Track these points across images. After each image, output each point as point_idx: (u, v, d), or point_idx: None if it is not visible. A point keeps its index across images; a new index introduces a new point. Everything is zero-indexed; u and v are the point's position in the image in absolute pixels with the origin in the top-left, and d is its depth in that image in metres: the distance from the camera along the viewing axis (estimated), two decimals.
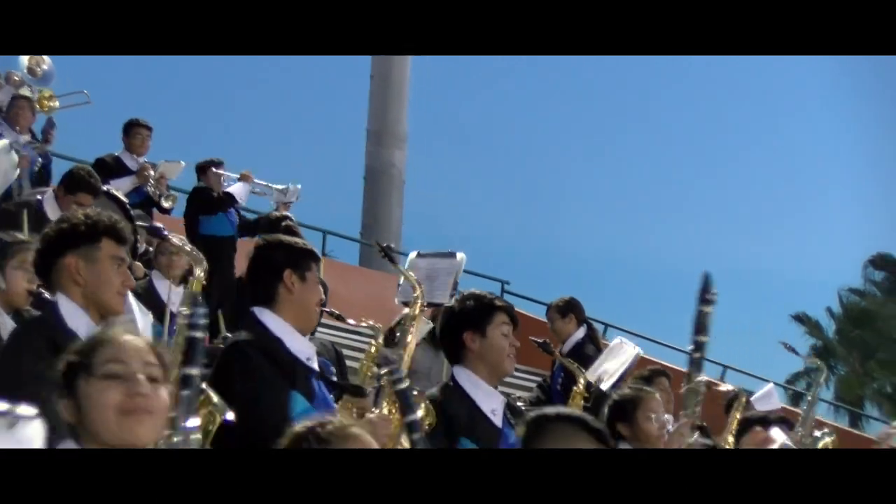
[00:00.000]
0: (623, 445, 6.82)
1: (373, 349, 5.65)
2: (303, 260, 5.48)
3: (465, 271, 22.76)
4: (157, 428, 3.38)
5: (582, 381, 6.71)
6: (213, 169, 12.94)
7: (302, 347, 5.40)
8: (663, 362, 17.12)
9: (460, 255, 8.45)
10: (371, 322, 6.19)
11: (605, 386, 7.23)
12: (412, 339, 5.81)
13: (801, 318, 43.23)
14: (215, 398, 4.65)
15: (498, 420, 5.75)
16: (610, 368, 7.71)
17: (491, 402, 5.75)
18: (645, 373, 8.95)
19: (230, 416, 4.60)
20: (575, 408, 6.30)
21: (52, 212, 9.50)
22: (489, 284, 22.69)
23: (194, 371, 3.27)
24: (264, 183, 13.20)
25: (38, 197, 9.72)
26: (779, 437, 7.13)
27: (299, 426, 4.07)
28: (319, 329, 5.54)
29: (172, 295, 9.49)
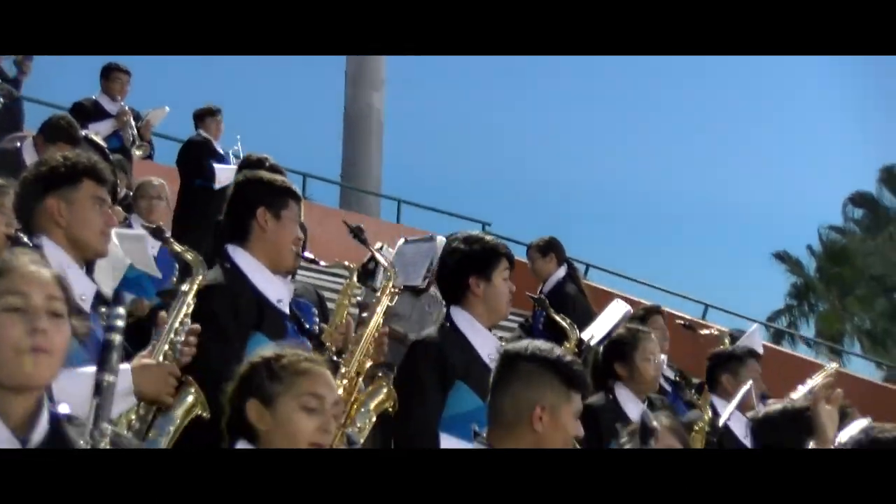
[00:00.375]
0: (619, 386, 6.84)
1: (347, 288, 5.61)
2: (279, 198, 5.44)
3: (447, 213, 22.88)
4: (54, 368, 3.25)
5: (573, 337, 6.72)
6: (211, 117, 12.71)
7: (272, 287, 5.37)
8: (643, 300, 17.17)
9: (440, 239, 8.43)
10: (345, 262, 6.18)
11: (594, 342, 7.23)
12: (377, 316, 5.77)
13: (782, 257, 43.32)
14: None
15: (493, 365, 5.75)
16: (599, 327, 7.72)
17: (487, 346, 5.76)
18: (639, 312, 8.98)
19: None
20: None
21: (31, 160, 9.44)
22: (470, 226, 22.67)
23: (110, 378, 3.09)
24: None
25: (17, 144, 9.65)
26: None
27: (255, 356, 4.07)
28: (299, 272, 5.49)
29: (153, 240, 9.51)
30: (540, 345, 4.48)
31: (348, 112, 23.86)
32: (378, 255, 6.78)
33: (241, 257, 5.37)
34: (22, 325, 3.21)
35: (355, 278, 5.92)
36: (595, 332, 7.81)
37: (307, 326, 5.56)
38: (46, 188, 4.88)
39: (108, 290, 5.29)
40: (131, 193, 9.80)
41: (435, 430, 5.51)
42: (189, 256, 5.07)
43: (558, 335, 7.65)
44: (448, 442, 5.44)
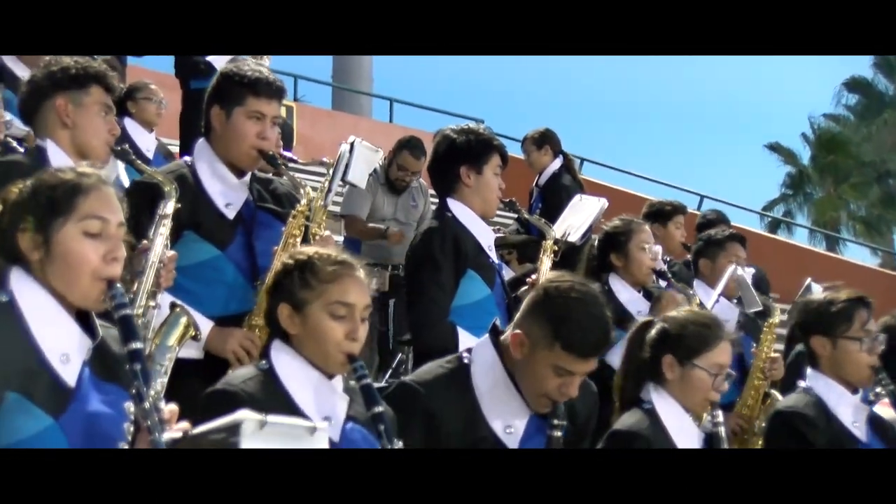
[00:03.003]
0: (614, 277, 6.85)
1: (325, 182, 5.53)
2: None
3: (440, 111, 22.83)
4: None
5: (550, 235, 6.72)
6: None
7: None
8: (640, 194, 17.18)
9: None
10: (323, 158, 6.15)
11: (573, 238, 7.22)
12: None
13: (775, 147, 43.33)
14: None
15: (494, 255, 5.85)
16: (575, 222, 7.69)
17: (486, 237, 5.82)
18: (666, 207, 9.00)
19: None
20: (546, 261, 6.33)
21: (17, 68, 9.36)
22: (464, 123, 22.62)
23: (138, 345, 3.11)
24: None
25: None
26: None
27: (288, 257, 4.03)
28: (261, 174, 5.41)
29: (147, 141, 9.46)
30: (560, 285, 4.43)
31: None
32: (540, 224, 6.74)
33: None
34: (103, 251, 3.26)
35: (331, 172, 5.84)
36: (570, 230, 7.79)
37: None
38: (56, 87, 4.88)
39: None
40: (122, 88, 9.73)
41: (448, 314, 5.52)
42: (159, 178, 4.99)
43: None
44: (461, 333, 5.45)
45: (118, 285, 3.23)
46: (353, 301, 3.89)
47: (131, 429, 3.19)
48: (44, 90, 4.89)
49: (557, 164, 11.14)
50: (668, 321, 4.88)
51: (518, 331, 4.35)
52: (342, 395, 3.90)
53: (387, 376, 9.55)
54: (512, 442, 4.32)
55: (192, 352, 4.80)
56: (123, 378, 3.27)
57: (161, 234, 4.78)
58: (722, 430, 4.70)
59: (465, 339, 5.29)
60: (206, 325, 4.83)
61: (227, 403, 3.52)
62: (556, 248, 6.55)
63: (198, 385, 3.99)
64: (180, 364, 4.68)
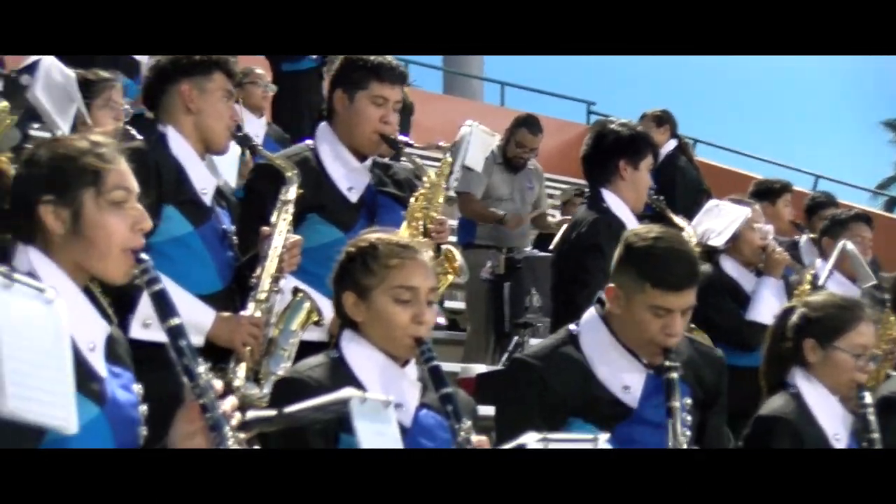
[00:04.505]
0: (724, 257, 6.89)
1: (442, 167, 5.56)
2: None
3: (551, 94, 22.75)
4: None
5: (688, 235, 6.74)
6: None
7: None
8: (752, 174, 17.00)
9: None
10: (439, 142, 6.20)
11: (714, 242, 7.23)
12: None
13: (893, 125, 42.75)
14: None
15: None
16: (715, 226, 7.69)
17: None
18: (774, 185, 9.00)
19: None
20: None
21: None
22: (575, 105, 22.58)
23: (176, 321, 3.01)
24: None
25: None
26: None
27: (350, 245, 4.04)
28: (381, 159, 5.43)
29: (256, 127, 9.55)
30: (639, 231, 4.51)
31: None
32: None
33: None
34: (129, 222, 3.16)
35: (449, 156, 5.88)
36: (711, 231, 7.78)
37: None
38: (181, 73, 4.91)
39: (233, 184, 5.32)
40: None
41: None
42: (281, 163, 5.05)
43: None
44: None
45: (147, 258, 3.12)
46: (416, 284, 3.87)
47: (145, 411, 3.20)
48: (168, 76, 4.93)
49: (672, 144, 11.12)
50: (808, 305, 4.88)
51: (611, 285, 4.38)
52: (413, 382, 3.89)
53: (503, 359, 9.57)
54: (631, 400, 4.32)
55: (315, 335, 4.85)
56: (125, 359, 3.26)
57: (283, 220, 4.84)
58: (870, 413, 4.66)
59: None
60: (329, 308, 4.88)
61: (294, 391, 3.54)
62: (697, 249, 6.61)
63: None
64: (304, 346, 4.75)
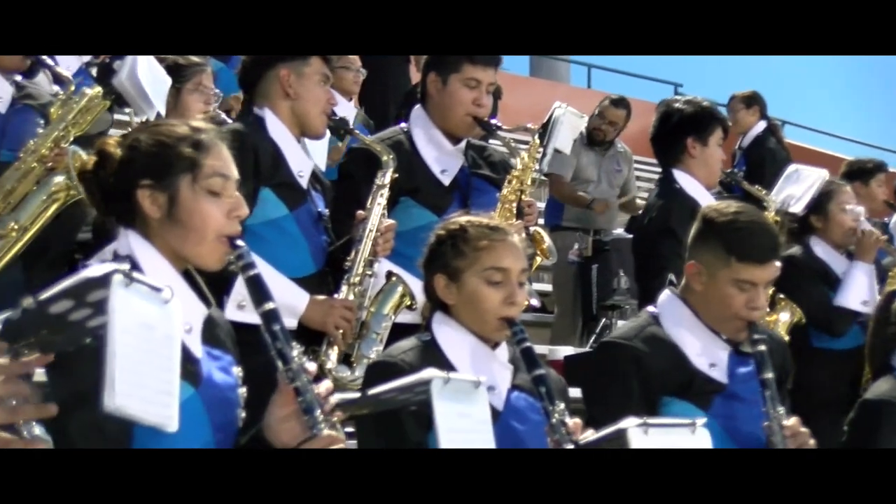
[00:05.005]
0: (815, 239, 6.83)
1: (531, 149, 5.55)
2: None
3: (638, 76, 22.59)
4: None
5: (771, 206, 6.68)
6: None
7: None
8: (843, 155, 16.82)
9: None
10: (527, 125, 6.19)
11: (794, 209, 7.16)
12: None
13: None
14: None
15: None
16: (795, 192, 7.62)
17: None
18: (867, 165, 8.85)
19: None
20: None
21: None
22: (662, 87, 22.44)
23: (271, 305, 3.03)
24: None
25: None
26: None
27: (440, 228, 4.05)
28: (475, 141, 5.44)
29: (347, 110, 9.58)
30: (724, 205, 4.50)
31: None
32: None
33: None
34: (224, 209, 3.18)
35: (537, 138, 5.87)
36: (790, 199, 7.72)
37: None
38: (279, 58, 4.93)
39: (323, 167, 5.35)
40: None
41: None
42: (377, 148, 5.07)
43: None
44: None
45: (243, 244, 3.14)
46: (507, 265, 3.87)
47: (244, 394, 3.23)
48: (266, 60, 4.95)
49: (762, 126, 11.03)
50: None
51: (691, 261, 4.36)
52: (505, 364, 3.90)
53: (591, 341, 9.56)
54: (721, 376, 4.29)
55: (409, 317, 4.86)
56: (226, 342, 3.29)
57: (378, 204, 4.86)
58: None
59: None
60: (421, 292, 4.90)
61: (387, 374, 3.50)
62: (776, 218, 6.56)
63: None
64: (396, 329, 4.77)
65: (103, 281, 2.25)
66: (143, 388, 2.41)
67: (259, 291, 3.06)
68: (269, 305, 3.02)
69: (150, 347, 2.43)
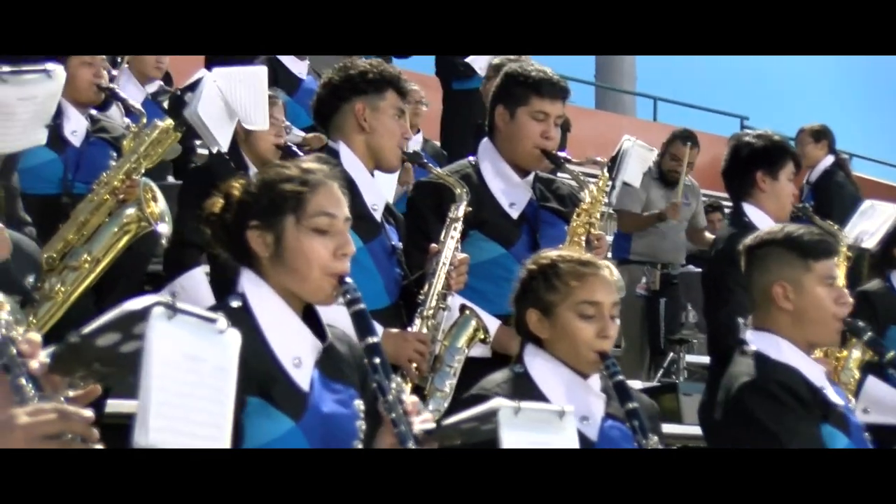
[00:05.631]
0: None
1: (600, 182, 5.54)
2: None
3: (703, 108, 22.52)
4: None
5: (842, 241, 6.62)
6: None
7: None
8: None
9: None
10: (596, 157, 6.20)
11: (867, 244, 7.10)
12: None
13: None
14: None
15: None
16: (869, 227, 7.55)
17: None
18: None
19: None
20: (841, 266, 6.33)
21: (288, 61, 9.62)
22: (727, 120, 22.34)
23: (374, 339, 3.16)
24: None
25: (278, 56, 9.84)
26: None
27: (531, 263, 4.08)
28: (543, 174, 5.44)
29: (413, 144, 9.60)
30: (767, 228, 4.64)
31: None
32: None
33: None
34: (332, 246, 3.29)
35: (606, 172, 5.87)
36: (864, 233, 7.65)
37: None
38: (354, 91, 4.96)
39: (391, 200, 5.37)
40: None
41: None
42: (450, 181, 5.08)
43: None
44: None
45: (350, 280, 3.26)
46: (600, 299, 3.93)
47: (363, 426, 3.28)
48: (341, 94, 4.97)
49: (830, 160, 10.98)
50: None
51: (773, 284, 4.38)
52: (598, 394, 3.93)
53: (658, 375, 9.52)
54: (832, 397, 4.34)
55: (480, 351, 4.87)
56: (351, 376, 3.36)
57: (452, 237, 4.86)
58: None
59: None
60: (493, 324, 4.90)
61: None
62: (849, 254, 6.52)
63: None
64: (469, 362, 4.78)
65: (144, 314, 2.25)
66: (186, 422, 2.39)
67: (364, 325, 3.19)
68: (373, 339, 3.14)
69: (198, 380, 2.41)
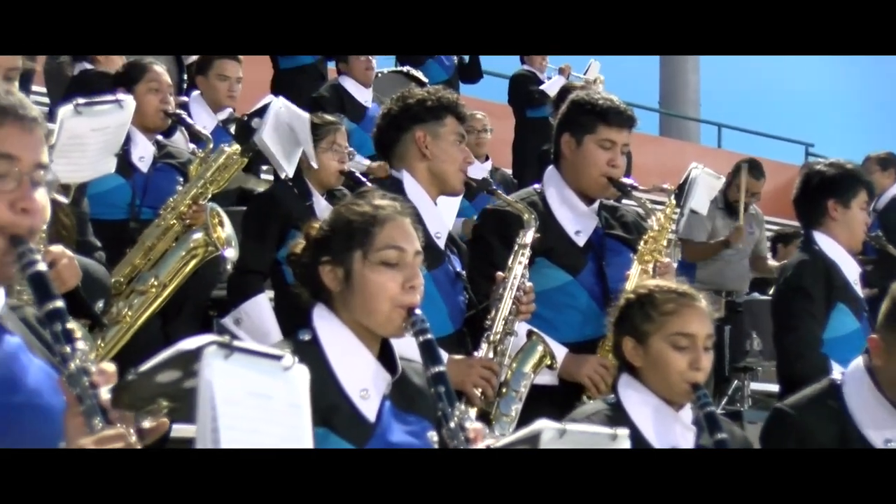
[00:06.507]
0: None
1: (667, 209, 5.52)
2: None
3: (768, 135, 22.42)
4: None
5: None
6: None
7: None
8: None
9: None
10: (664, 185, 6.16)
11: None
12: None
13: None
14: None
15: (859, 289, 5.90)
16: None
17: (853, 272, 5.90)
18: None
19: None
20: None
21: (353, 88, 9.67)
22: (792, 147, 22.24)
23: (440, 368, 3.18)
24: (578, 74, 12.89)
25: (340, 82, 9.89)
26: None
27: (628, 292, 4.11)
28: (607, 201, 5.41)
29: (478, 170, 9.61)
30: None
31: None
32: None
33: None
34: (400, 279, 3.33)
35: (673, 199, 5.84)
36: None
37: None
38: (414, 120, 4.99)
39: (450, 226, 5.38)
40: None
41: (820, 345, 5.59)
42: (519, 207, 5.08)
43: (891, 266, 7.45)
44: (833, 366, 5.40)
45: (419, 312, 3.29)
46: (694, 331, 3.93)
47: None
48: (401, 123, 5.00)
49: None
50: None
51: (873, 336, 4.27)
52: (688, 426, 3.94)
53: (722, 403, 9.47)
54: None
55: (546, 378, 4.86)
56: (426, 409, 3.37)
57: (520, 263, 4.84)
58: None
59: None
60: (560, 352, 4.89)
61: None
62: None
63: (552, 412, 4.03)
64: (535, 390, 4.76)
65: (198, 353, 2.24)
66: None
67: (431, 354, 3.21)
68: (438, 369, 3.15)
69: (269, 417, 2.38)
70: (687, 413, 3.96)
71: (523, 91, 12.32)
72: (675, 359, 3.89)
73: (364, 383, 3.30)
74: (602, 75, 12.63)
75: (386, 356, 3.39)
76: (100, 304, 4.53)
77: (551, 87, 12.16)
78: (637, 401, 3.94)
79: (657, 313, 3.95)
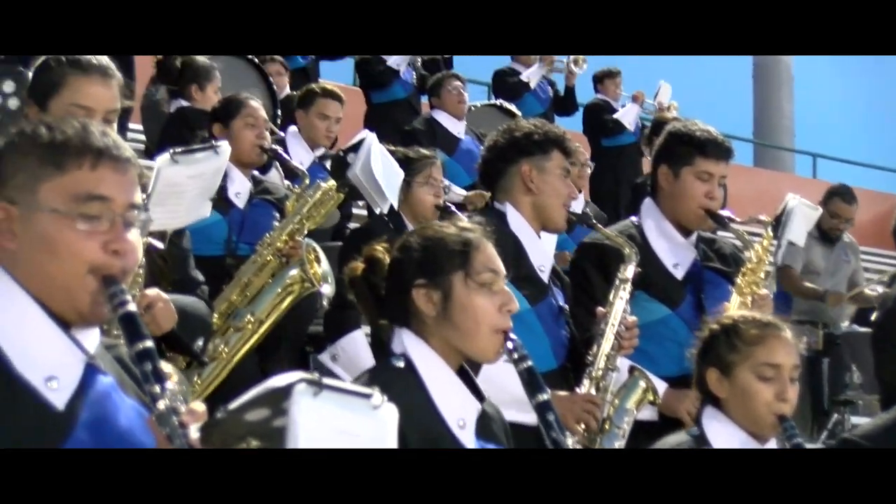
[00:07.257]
0: None
1: (765, 241, 5.46)
2: None
3: (865, 165, 22.24)
4: None
5: None
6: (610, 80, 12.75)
7: None
8: None
9: None
10: (760, 216, 6.09)
11: None
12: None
13: None
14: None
15: None
16: None
17: None
18: None
19: None
20: None
21: (446, 121, 9.71)
22: (889, 176, 22.01)
23: (544, 396, 3.24)
24: (650, 101, 12.87)
25: (433, 115, 9.93)
26: None
27: (713, 322, 4.06)
28: (704, 233, 5.37)
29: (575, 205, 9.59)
30: None
31: (757, 66, 23.48)
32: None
33: None
34: (499, 303, 3.30)
35: (770, 230, 5.79)
36: None
37: None
38: (520, 153, 4.98)
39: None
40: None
41: None
42: (619, 241, 5.05)
43: None
44: None
45: (515, 336, 3.30)
46: (780, 362, 3.89)
47: None
48: (507, 156, 4.99)
49: None
50: None
51: None
52: None
53: (823, 437, 9.35)
54: None
55: (646, 413, 4.82)
56: (500, 436, 3.39)
57: (621, 298, 4.81)
58: None
59: None
60: (660, 386, 4.85)
61: None
62: None
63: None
64: (635, 425, 4.72)
65: (287, 391, 2.23)
66: None
67: (534, 382, 3.25)
68: (543, 397, 3.21)
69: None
70: (772, 446, 3.91)
71: (598, 121, 12.34)
72: (761, 390, 3.85)
73: (460, 412, 3.26)
74: (675, 101, 12.61)
75: (467, 382, 3.34)
76: (199, 343, 4.56)
77: (625, 115, 12.19)
78: (722, 433, 3.89)
79: (742, 343, 3.91)
